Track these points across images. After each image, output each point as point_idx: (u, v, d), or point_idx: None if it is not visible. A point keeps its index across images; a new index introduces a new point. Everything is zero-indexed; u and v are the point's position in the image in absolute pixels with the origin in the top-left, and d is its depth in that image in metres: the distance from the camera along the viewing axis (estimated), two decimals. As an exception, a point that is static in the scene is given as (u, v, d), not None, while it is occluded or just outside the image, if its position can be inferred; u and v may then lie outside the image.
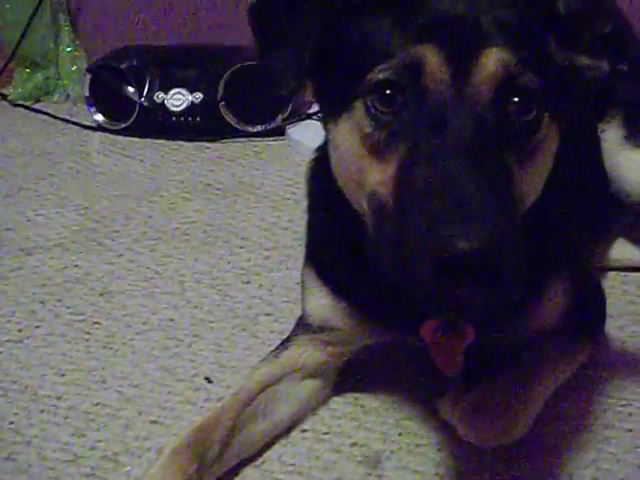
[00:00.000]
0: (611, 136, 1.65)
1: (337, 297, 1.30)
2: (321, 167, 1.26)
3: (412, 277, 0.93)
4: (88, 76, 2.64)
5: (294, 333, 1.38)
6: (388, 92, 1.01)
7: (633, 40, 1.11)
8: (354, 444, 1.33)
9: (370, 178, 1.03)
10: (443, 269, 0.89)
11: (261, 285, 1.78)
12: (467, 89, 0.99)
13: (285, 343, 1.38)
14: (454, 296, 0.92)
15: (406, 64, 1.00)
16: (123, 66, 2.58)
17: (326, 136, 1.14)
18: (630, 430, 1.35)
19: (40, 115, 2.78)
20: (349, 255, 1.23)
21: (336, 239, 1.27)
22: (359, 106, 1.03)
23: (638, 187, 1.64)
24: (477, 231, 0.88)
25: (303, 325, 1.36)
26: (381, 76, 1.01)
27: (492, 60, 1.00)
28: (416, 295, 0.97)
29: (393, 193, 0.99)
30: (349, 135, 1.05)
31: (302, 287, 1.37)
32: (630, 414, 1.39)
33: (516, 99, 1.01)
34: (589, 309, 1.44)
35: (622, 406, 1.41)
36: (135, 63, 2.59)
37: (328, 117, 1.11)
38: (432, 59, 1.00)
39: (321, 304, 1.32)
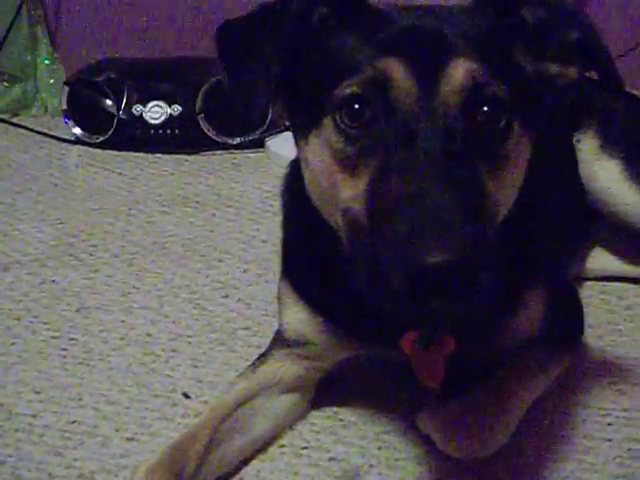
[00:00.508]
0: (587, 146, 1.66)
1: (313, 311, 1.29)
2: (295, 182, 1.25)
3: (387, 291, 0.92)
4: (66, 89, 2.62)
5: (271, 348, 1.37)
6: (356, 107, 1.01)
7: (601, 47, 1.10)
8: (332, 459, 1.32)
9: (343, 194, 1.03)
10: (417, 283, 0.89)
11: (239, 299, 1.77)
12: (435, 100, 0.99)
13: (262, 358, 1.37)
14: (429, 309, 0.92)
15: (373, 78, 1.00)
16: (101, 79, 2.56)
17: (298, 152, 1.13)
18: (609, 440, 1.35)
19: (18, 129, 2.76)
20: (324, 269, 1.23)
21: (311, 253, 1.26)
22: (328, 122, 1.03)
23: (613, 196, 1.64)
24: (449, 244, 0.88)
25: (280, 339, 1.35)
26: (348, 91, 1.01)
27: (459, 71, 0.99)
28: (392, 309, 0.96)
29: (366, 208, 0.99)
30: (320, 151, 1.05)
31: (279, 301, 1.37)
32: (609, 424, 1.39)
33: (485, 108, 1.01)
34: (567, 319, 1.44)
35: (601, 416, 1.40)
36: (113, 76, 2.57)
37: (299, 134, 1.11)
38: (398, 72, 0.99)
39: (297, 318, 1.31)
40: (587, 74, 1.13)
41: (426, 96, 0.99)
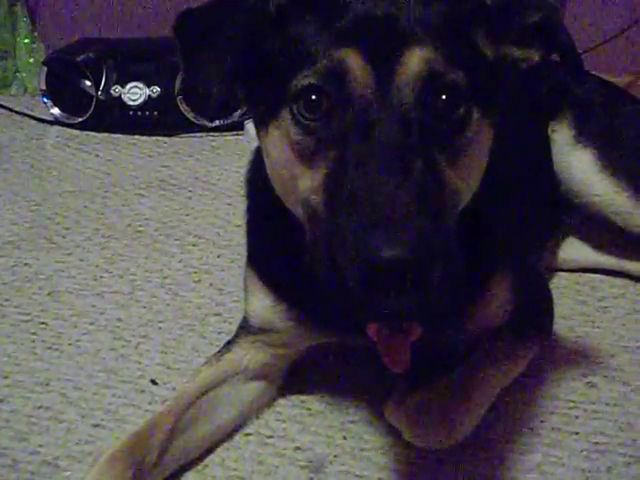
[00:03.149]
0: (561, 136, 1.65)
1: (278, 298, 1.28)
2: (258, 169, 1.24)
3: (344, 283, 0.92)
4: (44, 69, 2.59)
5: (237, 335, 1.36)
6: (313, 97, 0.99)
7: (561, 28, 1.09)
8: (298, 448, 1.31)
9: (301, 184, 1.02)
10: (368, 276, 0.89)
11: (211, 284, 1.76)
12: (392, 91, 0.97)
13: (228, 345, 1.36)
14: (382, 302, 0.91)
15: (329, 69, 0.99)
16: (79, 59, 2.55)
17: (259, 141, 1.12)
18: (577, 433, 1.35)
19: (-4, 108, 2.75)
20: (288, 256, 1.21)
21: (275, 240, 1.25)
22: (286, 113, 1.02)
23: (586, 187, 1.64)
24: (400, 238, 0.87)
25: (246, 327, 1.35)
26: (305, 82, 1.00)
27: (415, 59, 0.98)
28: (349, 300, 0.95)
29: (323, 199, 0.98)
30: (279, 142, 1.04)
31: (244, 288, 1.36)
32: (577, 417, 1.38)
33: (443, 97, 0.99)
34: (535, 308, 1.43)
35: (569, 408, 1.40)
36: (92, 56, 2.56)
37: (259, 123, 1.09)
38: (354, 63, 0.98)
39: (262, 305, 1.30)
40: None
41: (382, 86, 0.97)
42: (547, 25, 1.08)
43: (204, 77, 1.04)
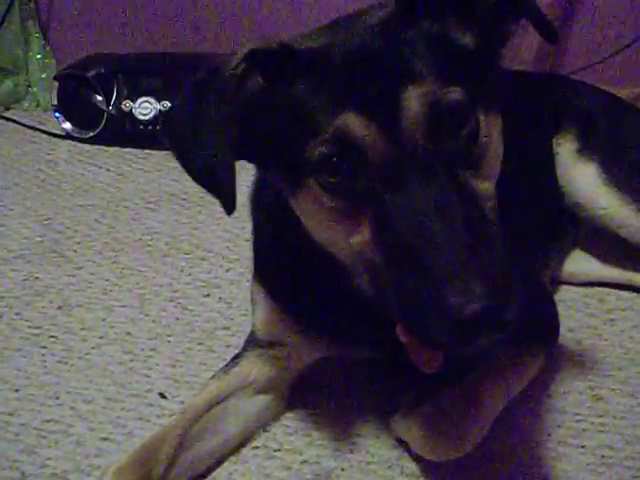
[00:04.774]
0: (565, 149, 1.65)
1: (285, 312, 1.29)
2: (262, 189, 1.26)
3: (424, 330, 0.95)
4: (56, 84, 2.62)
5: (245, 349, 1.37)
6: (334, 160, 0.99)
7: None
8: (305, 461, 1.32)
9: (352, 240, 1.02)
10: (455, 332, 0.92)
11: (220, 298, 1.77)
12: (402, 137, 0.97)
13: (235, 359, 1.37)
14: (469, 344, 0.95)
15: (336, 138, 0.98)
16: (91, 74, 2.56)
17: (285, 198, 1.11)
18: (583, 446, 1.35)
19: (9, 123, 2.77)
20: (294, 272, 1.23)
21: (281, 257, 1.26)
22: (312, 183, 1.02)
23: (591, 200, 1.64)
24: (475, 289, 0.90)
25: (253, 340, 1.36)
26: (318, 152, 0.99)
27: (413, 100, 0.97)
28: (428, 340, 0.98)
29: (379, 255, 0.99)
30: (313, 207, 1.04)
31: (251, 302, 1.37)
32: (584, 430, 1.38)
33: (450, 118, 0.99)
34: (541, 321, 1.43)
35: (576, 422, 1.40)
36: (103, 71, 2.57)
37: (283, 187, 1.10)
38: (358, 126, 0.97)
39: (269, 319, 1.31)
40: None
41: (392, 137, 0.97)
42: None
43: (210, 172, 1.03)
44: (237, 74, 1.02)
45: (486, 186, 1.03)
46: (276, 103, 1.04)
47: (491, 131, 1.05)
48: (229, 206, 1.05)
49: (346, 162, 0.99)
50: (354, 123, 0.97)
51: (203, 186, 1.07)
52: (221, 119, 1.01)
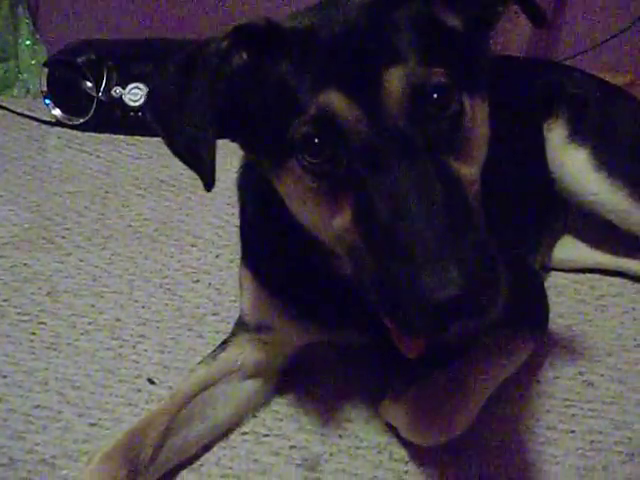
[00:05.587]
0: (556, 134, 1.65)
1: (272, 296, 1.29)
2: (249, 174, 1.26)
3: (400, 315, 0.95)
4: (45, 70, 2.60)
5: (233, 334, 1.37)
6: (316, 141, 0.98)
7: None
8: (293, 446, 1.32)
9: (332, 223, 1.02)
10: (432, 315, 0.91)
11: (210, 284, 1.76)
12: (384, 116, 0.96)
13: (223, 344, 1.36)
14: (446, 332, 0.94)
15: (318, 116, 0.97)
16: (80, 60, 2.54)
17: (269, 180, 1.10)
18: (572, 431, 1.35)
19: (-1, 109, 2.76)
20: (282, 256, 1.22)
21: (269, 241, 1.26)
22: (294, 163, 1.01)
23: (581, 186, 1.63)
24: (451, 275, 0.88)
25: (241, 325, 1.35)
26: (300, 131, 0.98)
27: (394, 80, 0.96)
28: (404, 325, 0.97)
29: (359, 237, 0.98)
30: (296, 190, 1.04)
31: (240, 287, 1.36)
32: (573, 415, 1.38)
33: (433, 100, 0.98)
34: (530, 305, 1.43)
35: (566, 407, 1.40)
36: (92, 57, 2.55)
37: (265, 170, 1.09)
38: (340, 104, 0.96)
39: (257, 304, 1.31)
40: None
41: (373, 116, 0.96)
42: None
43: (191, 148, 1.02)
44: (222, 49, 1.01)
45: (469, 170, 1.01)
46: (260, 80, 1.03)
47: (476, 115, 1.03)
48: (208, 182, 1.03)
49: (328, 143, 0.98)
50: (336, 101, 0.96)
51: (183, 161, 1.06)
52: (205, 93, 1.00)
